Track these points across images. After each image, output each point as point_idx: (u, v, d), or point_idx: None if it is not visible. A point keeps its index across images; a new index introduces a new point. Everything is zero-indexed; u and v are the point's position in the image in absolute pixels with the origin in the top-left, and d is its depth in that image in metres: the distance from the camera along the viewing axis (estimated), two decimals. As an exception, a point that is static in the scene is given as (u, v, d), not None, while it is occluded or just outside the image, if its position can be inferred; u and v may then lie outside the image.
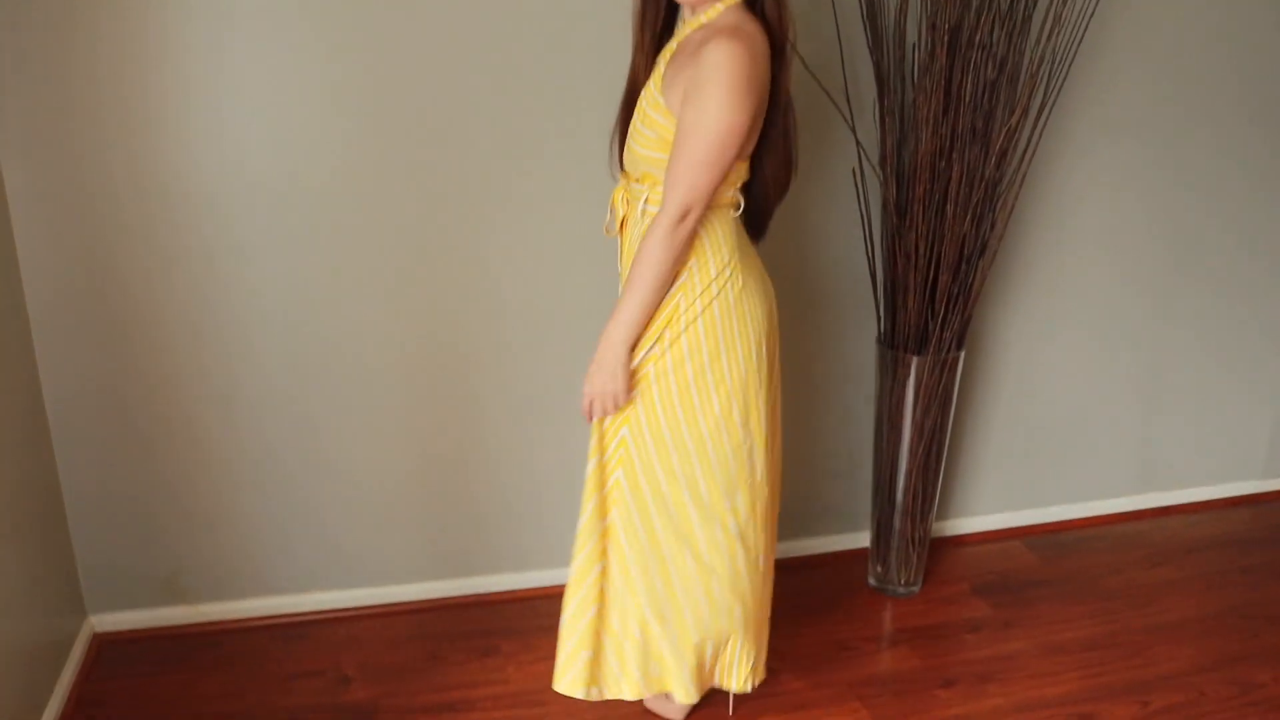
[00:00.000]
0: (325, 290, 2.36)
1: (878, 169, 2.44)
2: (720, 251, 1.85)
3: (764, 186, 1.91)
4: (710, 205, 1.84)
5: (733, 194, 1.87)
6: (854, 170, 2.48)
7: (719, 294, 1.85)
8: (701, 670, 2.10)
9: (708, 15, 1.80)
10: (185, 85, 2.16)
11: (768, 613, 2.18)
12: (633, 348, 1.86)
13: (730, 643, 2.08)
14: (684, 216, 1.76)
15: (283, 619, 2.58)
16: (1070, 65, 2.46)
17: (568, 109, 2.34)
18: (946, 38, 2.27)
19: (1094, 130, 2.74)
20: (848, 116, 2.43)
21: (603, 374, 1.86)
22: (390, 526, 2.59)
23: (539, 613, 2.63)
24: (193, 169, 2.22)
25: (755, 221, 1.98)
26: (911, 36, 2.37)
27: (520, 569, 2.70)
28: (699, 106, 1.71)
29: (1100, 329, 2.97)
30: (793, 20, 1.83)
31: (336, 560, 2.58)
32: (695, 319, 1.85)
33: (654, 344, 1.87)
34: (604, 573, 2.02)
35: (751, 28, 1.77)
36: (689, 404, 1.89)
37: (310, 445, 2.47)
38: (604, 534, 2.01)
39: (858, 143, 2.45)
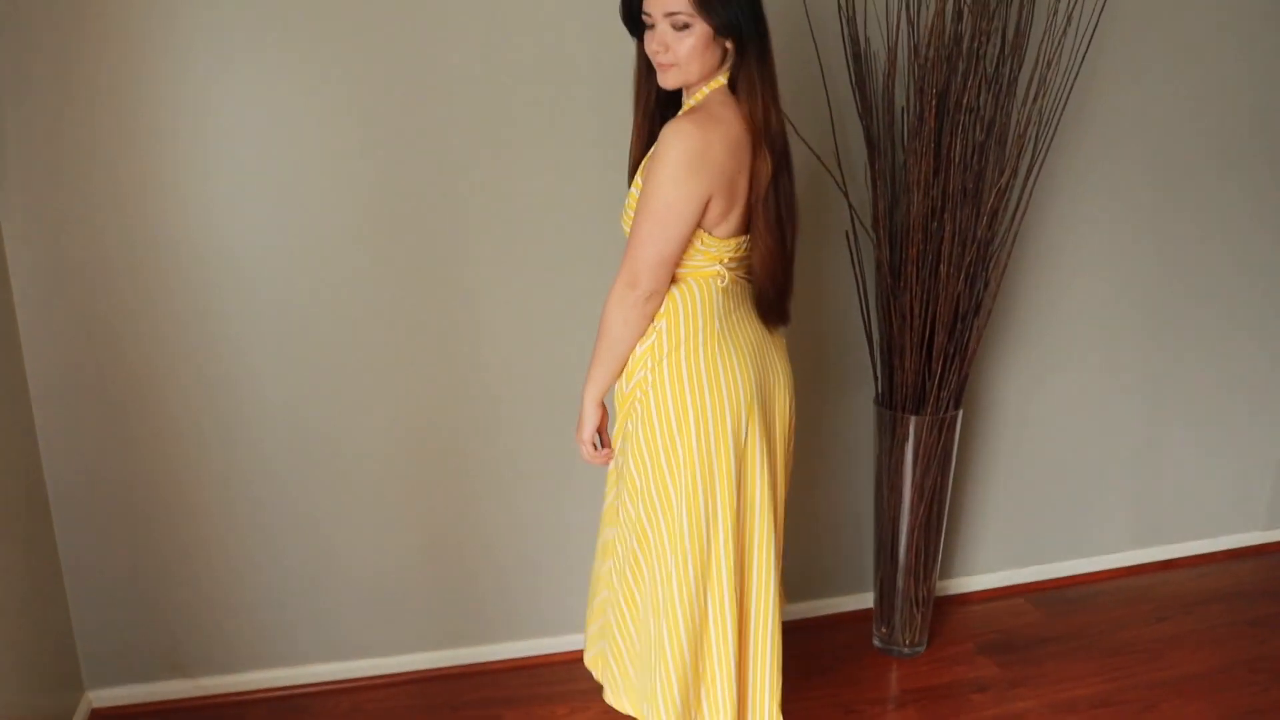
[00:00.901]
0: (324, 365, 2.38)
1: (871, 231, 2.47)
2: (693, 318, 1.87)
3: (757, 276, 1.93)
4: (685, 275, 1.88)
5: (716, 267, 1.89)
6: (847, 233, 2.51)
7: (687, 357, 1.87)
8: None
9: (695, 98, 1.85)
10: (187, 161, 2.20)
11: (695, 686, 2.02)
12: (598, 400, 1.95)
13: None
14: (632, 284, 1.83)
15: (283, 692, 2.56)
16: (1057, 126, 2.50)
17: (573, 177, 2.39)
18: (935, 102, 2.31)
19: (1083, 188, 2.78)
20: (839, 180, 2.46)
21: (578, 425, 2.00)
22: (391, 597, 2.57)
23: (541, 681, 2.61)
24: (193, 248, 2.25)
25: (762, 307, 1.97)
26: (900, 101, 2.42)
27: (522, 637, 2.69)
28: (645, 183, 1.80)
29: (1096, 384, 2.99)
30: (774, 117, 1.85)
31: (336, 631, 2.57)
32: (661, 377, 1.87)
33: (631, 403, 1.91)
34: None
35: (726, 112, 1.81)
36: (652, 462, 1.91)
37: (309, 516, 2.47)
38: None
39: (850, 206, 2.48)
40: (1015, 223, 2.48)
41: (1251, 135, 2.91)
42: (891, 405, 2.56)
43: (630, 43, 1.91)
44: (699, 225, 1.83)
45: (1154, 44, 2.73)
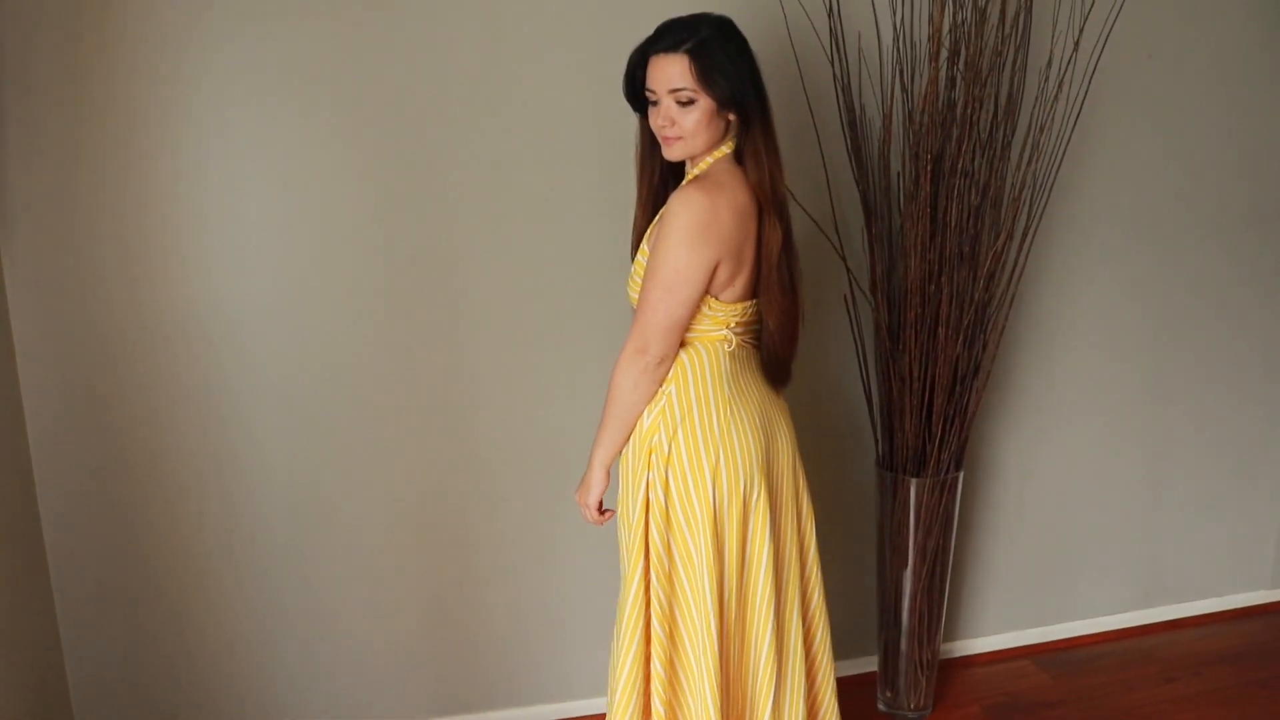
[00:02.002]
0: (326, 432, 2.38)
1: (869, 295, 2.48)
2: (702, 382, 1.89)
3: (770, 337, 1.95)
4: (694, 339, 1.90)
5: (724, 331, 1.91)
6: (846, 297, 2.52)
7: (701, 423, 1.88)
8: None
9: (699, 168, 1.88)
10: (193, 219, 2.22)
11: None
12: (608, 465, 1.95)
13: None
14: (643, 349, 1.84)
15: (281, 763, 2.52)
16: (1051, 189, 2.52)
17: (579, 244, 2.42)
18: (930, 166, 2.34)
19: (1079, 249, 2.80)
20: (837, 245, 2.48)
21: (582, 488, 1.99)
22: (394, 663, 2.55)
23: (543, 750, 2.58)
24: (199, 319, 2.26)
25: (770, 370, 2.00)
26: (896, 166, 2.44)
27: (526, 703, 2.66)
28: (654, 250, 1.83)
29: (1097, 444, 2.98)
30: (781, 184, 1.89)
31: (340, 698, 2.53)
32: (678, 446, 1.88)
33: (646, 468, 1.91)
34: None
35: (731, 180, 1.85)
36: (672, 524, 1.91)
37: (312, 582, 2.45)
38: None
39: (848, 270, 2.50)
40: (1012, 285, 2.50)
41: (1248, 193, 2.94)
42: (892, 467, 2.55)
43: (628, 115, 1.94)
44: (706, 291, 1.85)
45: (1145, 106, 2.77)
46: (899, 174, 2.43)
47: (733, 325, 1.91)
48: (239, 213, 2.24)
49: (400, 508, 2.46)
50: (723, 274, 1.85)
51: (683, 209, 1.79)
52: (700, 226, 1.78)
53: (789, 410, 2.08)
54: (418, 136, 2.28)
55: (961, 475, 2.58)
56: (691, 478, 1.88)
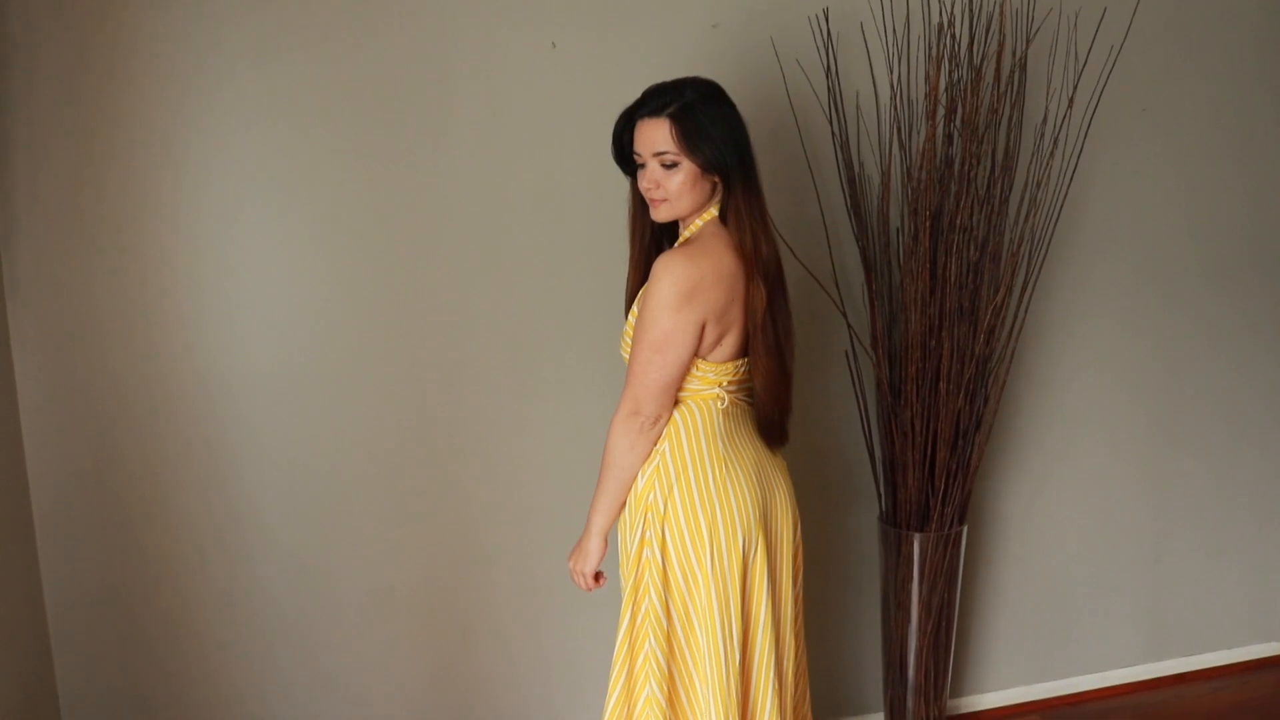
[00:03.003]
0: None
1: (870, 350, 2.49)
2: (696, 440, 1.89)
3: (759, 397, 1.96)
4: (686, 398, 1.91)
5: (716, 390, 1.91)
6: (847, 352, 2.53)
7: (696, 480, 1.88)
8: None
9: (690, 230, 1.90)
10: (193, 280, 2.24)
11: None
12: (606, 531, 1.93)
13: None
14: (636, 411, 1.86)
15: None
16: (1049, 243, 2.54)
17: (575, 304, 2.44)
18: (928, 222, 2.35)
19: (1079, 302, 2.81)
20: (838, 301, 2.49)
21: (577, 553, 1.97)
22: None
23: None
24: (198, 367, 2.27)
25: (764, 429, 2.00)
26: (895, 222, 2.46)
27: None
28: (640, 313, 1.85)
29: (1101, 496, 2.97)
30: (764, 244, 1.89)
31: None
32: (674, 504, 1.88)
33: (641, 528, 1.90)
34: None
35: (718, 245, 1.86)
36: (670, 585, 1.90)
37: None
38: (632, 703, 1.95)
39: (849, 325, 2.51)
40: (1012, 338, 2.50)
41: (1244, 245, 2.95)
42: (896, 522, 2.55)
43: (622, 179, 1.96)
44: (696, 352, 1.86)
45: (1141, 160, 2.79)
46: (898, 230, 2.45)
47: (725, 384, 1.92)
48: (244, 262, 2.26)
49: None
50: (709, 336, 1.87)
51: (665, 275, 1.81)
52: (682, 292, 1.80)
53: (787, 467, 2.08)
54: (419, 199, 2.31)
55: (965, 529, 2.57)
56: (689, 536, 1.87)
